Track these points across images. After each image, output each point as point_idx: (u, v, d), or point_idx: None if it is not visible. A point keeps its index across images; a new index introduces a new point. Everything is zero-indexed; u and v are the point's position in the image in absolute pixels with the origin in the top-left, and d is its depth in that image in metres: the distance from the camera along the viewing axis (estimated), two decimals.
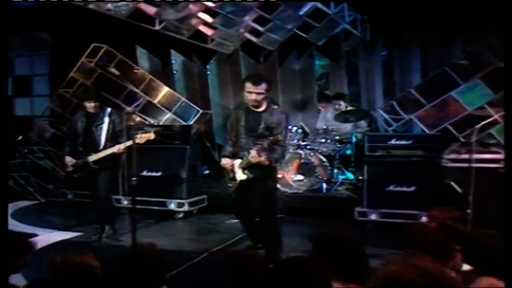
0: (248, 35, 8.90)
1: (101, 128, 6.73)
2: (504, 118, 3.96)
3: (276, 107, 5.35)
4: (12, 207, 8.68)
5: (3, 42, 3.76)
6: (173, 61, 9.80)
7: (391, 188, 7.33)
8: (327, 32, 8.73)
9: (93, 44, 8.98)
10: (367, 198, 7.45)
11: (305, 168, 8.21)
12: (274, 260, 4.65)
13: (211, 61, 10.14)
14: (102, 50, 9.04)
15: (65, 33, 9.77)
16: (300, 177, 8.22)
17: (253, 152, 5.16)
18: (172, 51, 9.77)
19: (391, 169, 7.38)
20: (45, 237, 6.99)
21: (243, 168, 5.36)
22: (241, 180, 5.40)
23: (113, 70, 9.01)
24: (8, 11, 3.99)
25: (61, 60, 9.68)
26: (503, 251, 2.74)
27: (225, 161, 5.50)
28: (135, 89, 9.00)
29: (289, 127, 8.37)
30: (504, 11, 3.70)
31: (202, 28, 8.65)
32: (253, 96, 5.18)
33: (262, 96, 5.23)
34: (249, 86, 5.22)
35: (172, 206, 8.13)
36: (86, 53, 9.03)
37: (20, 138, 9.47)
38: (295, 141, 8.49)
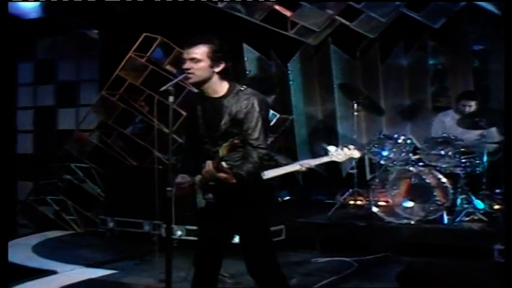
0: (339, 18, 7.77)
1: None
2: (504, 117, 3.95)
3: (243, 88, 4.03)
4: (38, 237, 8.10)
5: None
6: (246, 58, 8.86)
7: None
8: (446, 8, 7.33)
9: (144, 34, 8.15)
10: None
11: (418, 191, 7.06)
12: None
13: (294, 58, 9.15)
14: (156, 43, 8.20)
15: (117, 29, 9.13)
16: (411, 203, 7.08)
17: (208, 165, 3.91)
18: (245, 46, 8.83)
19: None
20: (66, 276, 6.27)
21: (202, 190, 4.06)
22: (200, 209, 4.10)
23: (168, 67, 8.07)
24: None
25: (113, 63, 8.84)
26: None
27: (181, 180, 4.13)
28: (196, 91, 7.74)
29: (395, 136, 7.35)
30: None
31: (279, 8, 7.74)
32: (186, 64, 3.92)
33: (201, 64, 3.90)
34: (183, 53, 4.04)
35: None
36: (135, 46, 8.21)
37: (60, 155, 8.90)
38: (404, 154, 7.31)
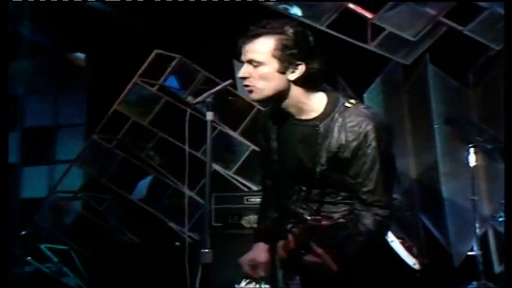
0: (446, 21, 7.41)
1: None
2: (504, 118, 4.43)
3: (352, 103, 3.62)
4: None
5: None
6: None
7: None
8: None
9: (155, 51, 7.98)
10: None
11: None
12: None
13: (372, 86, 8.60)
14: (173, 63, 8.05)
15: (112, 50, 9.14)
16: None
17: (288, 240, 3.68)
18: None
19: None
20: None
21: (284, 267, 3.86)
22: None
23: (190, 99, 7.97)
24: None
25: (106, 97, 8.77)
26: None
27: (255, 255, 3.92)
28: (230, 132, 7.86)
29: None
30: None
31: (354, 7, 7.55)
32: (242, 70, 3.51)
33: (263, 70, 3.47)
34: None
35: None
36: (143, 68, 8.03)
37: (24, 233, 8.62)
38: None
